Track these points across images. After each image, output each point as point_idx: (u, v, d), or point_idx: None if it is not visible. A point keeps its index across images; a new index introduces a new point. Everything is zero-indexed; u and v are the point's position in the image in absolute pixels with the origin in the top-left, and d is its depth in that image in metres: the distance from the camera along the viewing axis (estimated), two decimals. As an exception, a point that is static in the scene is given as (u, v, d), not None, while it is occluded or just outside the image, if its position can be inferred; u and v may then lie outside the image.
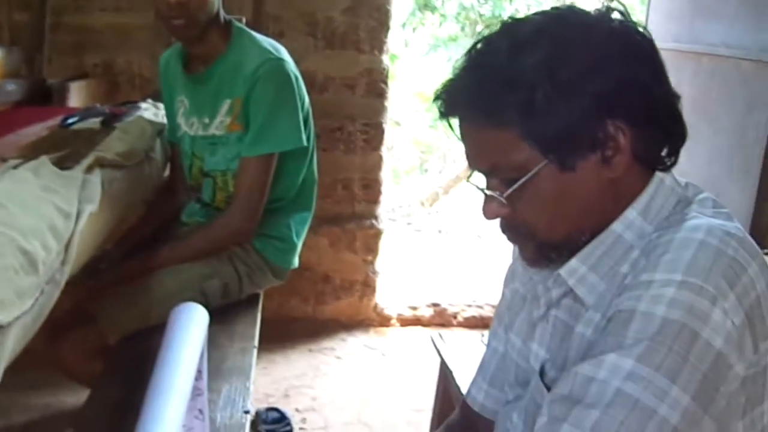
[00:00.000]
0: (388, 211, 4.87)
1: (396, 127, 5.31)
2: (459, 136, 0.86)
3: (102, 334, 1.54)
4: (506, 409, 0.99)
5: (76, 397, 1.37)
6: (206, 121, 1.78)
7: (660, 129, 0.83)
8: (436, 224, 4.97)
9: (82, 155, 1.36)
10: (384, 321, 3.19)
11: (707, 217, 0.80)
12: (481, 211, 0.87)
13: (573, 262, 0.85)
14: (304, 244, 1.96)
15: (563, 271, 0.85)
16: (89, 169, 1.32)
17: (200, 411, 1.26)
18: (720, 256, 0.74)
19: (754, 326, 0.73)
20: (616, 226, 0.83)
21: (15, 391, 2.24)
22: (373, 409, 2.55)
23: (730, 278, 0.73)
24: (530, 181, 0.80)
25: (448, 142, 5.24)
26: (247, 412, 1.30)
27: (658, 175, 0.85)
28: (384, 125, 3.07)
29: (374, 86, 3.00)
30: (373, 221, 3.11)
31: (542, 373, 0.89)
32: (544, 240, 0.85)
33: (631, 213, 0.83)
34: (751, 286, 0.74)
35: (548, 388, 0.85)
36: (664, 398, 0.69)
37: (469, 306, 3.27)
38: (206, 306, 1.40)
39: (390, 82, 3.07)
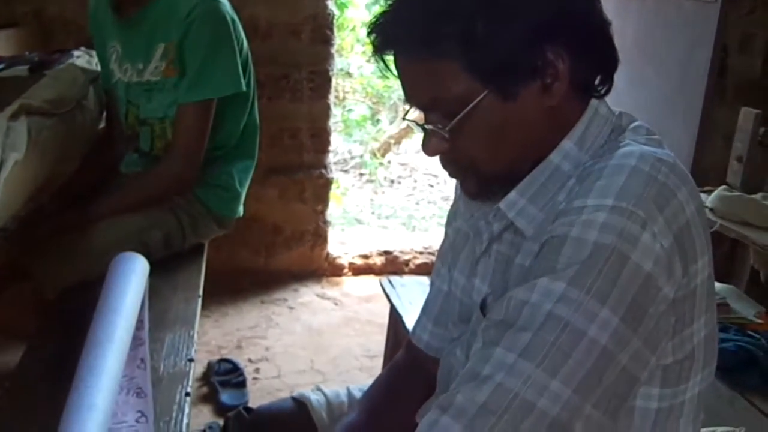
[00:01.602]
0: (340, 162, 4.84)
1: (346, 79, 5.23)
2: (395, 72, 0.85)
3: (39, 289, 1.49)
4: (451, 347, 1.00)
5: (17, 355, 1.33)
6: (140, 66, 1.71)
7: (595, 55, 0.84)
8: (388, 174, 4.96)
9: (6, 102, 1.30)
10: (336, 270, 3.19)
11: (640, 145, 0.81)
12: (422, 148, 0.86)
13: (512, 195, 0.85)
14: (251, 195, 1.93)
15: (503, 204, 0.85)
16: (14, 117, 1.26)
17: (142, 360, 1.24)
18: (651, 181, 0.74)
19: (684, 249, 0.74)
20: (554, 156, 0.83)
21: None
22: (326, 356, 2.57)
23: (660, 203, 0.73)
24: (471, 113, 0.80)
25: (399, 92, 5.18)
26: (191, 360, 1.28)
27: (593, 103, 0.85)
28: (331, 73, 3.01)
29: (320, 32, 2.94)
30: (323, 171, 3.07)
31: (483, 306, 0.90)
32: (486, 172, 0.85)
33: (567, 143, 0.83)
34: (680, 210, 0.75)
35: (489, 320, 0.86)
36: (593, 320, 0.70)
37: (421, 253, 3.29)
38: (148, 257, 1.38)
39: (339, 32, 3.00)
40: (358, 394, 1.15)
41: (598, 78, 0.85)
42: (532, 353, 0.70)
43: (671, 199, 0.74)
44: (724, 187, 2.31)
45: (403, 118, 0.93)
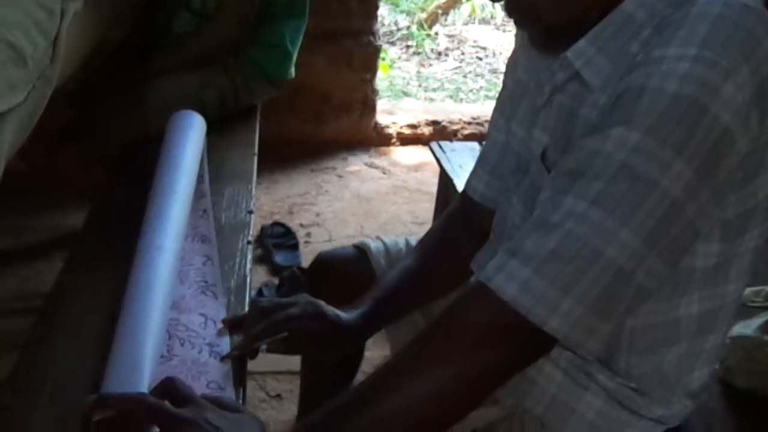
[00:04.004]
0: (386, 34, 4.73)
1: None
2: None
3: (101, 144, 1.54)
4: (507, 196, 1.01)
5: (81, 216, 1.38)
6: None
7: None
8: (435, 46, 4.85)
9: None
10: (384, 140, 3.19)
11: None
12: None
13: (581, 44, 0.82)
14: (299, 63, 1.92)
15: (570, 53, 0.82)
16: (69, -32, 1.25)
17: (204, 211, 1.29)
18: (737, 29, 0.71)
19: (763, 101, 0.71)
20: (627, 4, 0.79)
21: (25, 213, 2.30)
22: (375, 222, 2.61)
23: (746, 52, 0.70)
24: None
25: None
26: (251, 212, 1.33)
27: None
28: (379, -67, 2.90)
29: None
30: (371, 38, 3.01)
31: (543, 157, 0.89)
32: (549, 22, 0.82)
33: None
34: (764, 60, 0.71)
35: (549, 171, 0.86)
36: (667, 171, 0.69)
37: (469, 123, 3.26)
38: (204, 116, 1.41)
39: None
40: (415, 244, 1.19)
41: None
42: (603, 202, 0.70)
43: (757, 48, 0.71)
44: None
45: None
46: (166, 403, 0.75)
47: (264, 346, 0.97)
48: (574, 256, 0.70)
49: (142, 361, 0.85)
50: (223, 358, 0.95)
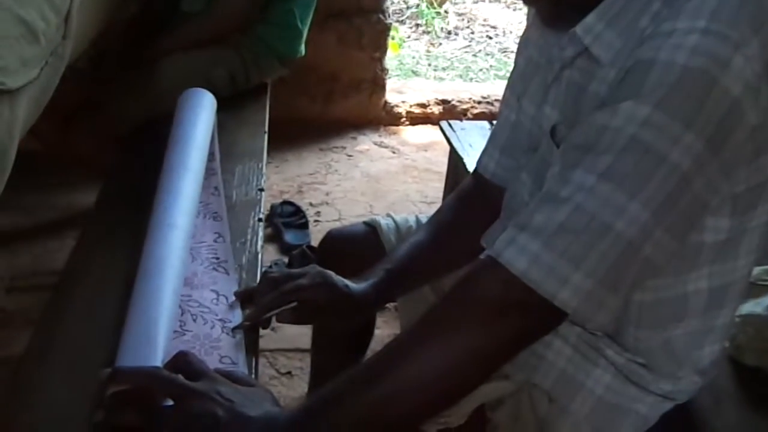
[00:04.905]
0: (396, 13, 4.70)
1: None
2: None
3: (112, 121, 1.54)
4: (517, 173, 1.01)
5: (93, 195, 1.39)
6: None
7: None
8: (444, 25, 4.81)
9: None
10: (393, 119, 3.17)
11: None
12: None
13: (589, 18, 0.81)
14: (310, 41, 1.91)
15: (579, 28, 0.82)
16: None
17: (216, 188, 1.30)
18: (746, 2, 0.70)
19: None
20: None
21: (38, 191, 2.31)
22: (384, 202, 2.61)
23: (756, 25, 0.70)
24: None
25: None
26: (261, 190, 1.33)
27: None
28: None
29: None
30: (380, 16, 2.99)
31: (553, 133, 0.89)
32: None
33: None
34: None
35: (558, 147, 0.86)
36: (676, 144, 0.69)
37: (479, 103, 3.24)
38: (215, 95, 1.41)
39: None
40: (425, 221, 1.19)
41: None
42: (613, 176, 0.70)
43: (766, 21, 0.70)
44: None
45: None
46: (180, 376, 0.76)
47: (274, 316, 0.98)
48: (583, 230, 0.70)
49: (156, 336, 0.86)
50: (234, 329, 0.96)
